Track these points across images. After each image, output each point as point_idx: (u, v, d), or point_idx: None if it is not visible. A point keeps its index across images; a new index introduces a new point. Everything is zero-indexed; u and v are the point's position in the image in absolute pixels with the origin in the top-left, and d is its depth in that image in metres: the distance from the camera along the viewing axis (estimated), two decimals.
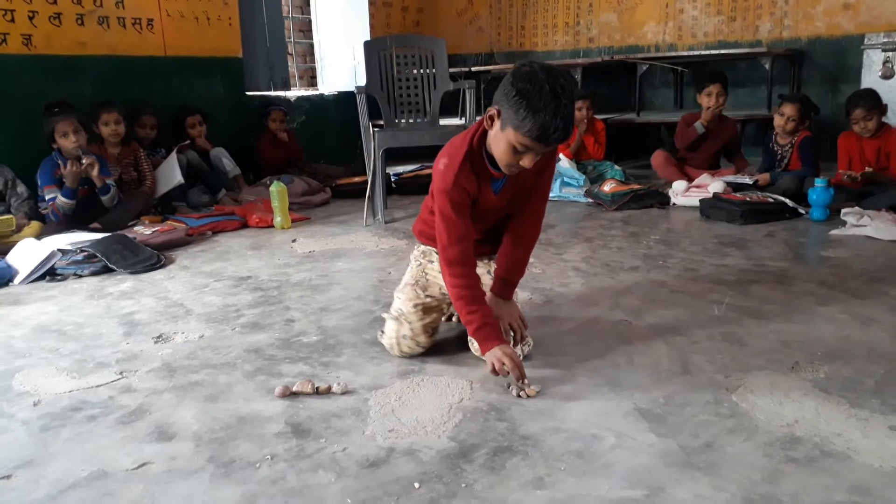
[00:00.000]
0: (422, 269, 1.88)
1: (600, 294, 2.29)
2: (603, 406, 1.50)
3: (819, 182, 3.26)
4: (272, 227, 3.53)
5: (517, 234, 1.75)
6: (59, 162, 3.25)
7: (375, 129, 3.47)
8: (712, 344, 1.83)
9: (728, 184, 3.71)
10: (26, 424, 1.50)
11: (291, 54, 5.70)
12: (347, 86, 5.61)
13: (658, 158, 4.26)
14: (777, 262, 2.63)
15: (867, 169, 3.42)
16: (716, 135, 4.16)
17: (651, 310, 2.12)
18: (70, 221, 3.27)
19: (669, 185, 3.98)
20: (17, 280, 2.64)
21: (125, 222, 3.41)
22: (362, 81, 3.73)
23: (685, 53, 5.30)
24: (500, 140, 1.54)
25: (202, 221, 3.49)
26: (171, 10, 4.32)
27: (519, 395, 1.55)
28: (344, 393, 1.59)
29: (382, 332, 1.85)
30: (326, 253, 3.00)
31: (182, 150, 4.03)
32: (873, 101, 3.45)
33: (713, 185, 3.68)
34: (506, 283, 1.76)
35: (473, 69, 5.65)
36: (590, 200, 3.92)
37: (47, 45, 3.77)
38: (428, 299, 1.80)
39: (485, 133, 1.61)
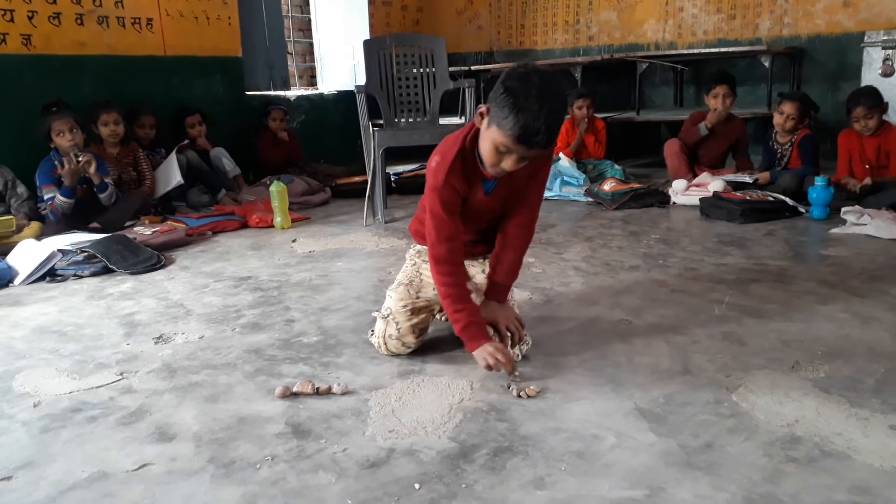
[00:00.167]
0: (416, 269, 1.88)
1: (600, 293, 2.29)
2: (603, 406, 1.50)
3: (819, 181, 3.26)
4: (272, 227, 3.53)
5: (510, 236, 1.75)
6: (57, 162, 3.25)
7: (375, 129, 3.47)
8: (712, 343, 1.83)
9: (728, 182, 3.71)
10: (27, 425, 1.51)
11: (291, 53, 5.70)
12: (347, 85, 5.61)
13: (672, 147, 4.16)
14: (777, 260, 2.63)
15: (867, 181, 3.41)
16: (721, 135, 4.13)
17: (651, 309, 2.12)
18: (69, 221, 3.28)
19: (669, 183, 3.97)
20: (17, 281, 2.64)
21: (124, 221, 3.41)
22: (362, 81, 3.73)
23: (685, 52, 5.29)
24: (486, 138, 1.54)
25: (202, 221, 3.49)
26: (170, 10, 4.32)
27: (519, 395, 1.55)
28: (344, 393, 1.59)
29: (373, 331, 1.86)
30: (326, 253, 3.00)
31: (182, 150, 4.03)
32: (874, 100, 3.44)
33: (713, 183, 3.68)
34: (499, 286, 1.76)
35: (473, 68, 5.65)
36: (590, 199, 3.92)
37: (47, 44, 3.77)
38: (420, 300, 1.80)
39: (478, 132, 1.61)
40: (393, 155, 4.33)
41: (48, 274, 2.68)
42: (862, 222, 3.01)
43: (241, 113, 4.79)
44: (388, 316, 1.78)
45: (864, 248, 2.76)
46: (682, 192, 3.77)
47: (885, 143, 3.50)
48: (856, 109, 3.45)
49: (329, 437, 1.41)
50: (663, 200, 3.79)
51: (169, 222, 3.44)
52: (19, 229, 3.10)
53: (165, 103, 4.22)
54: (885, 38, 4.51)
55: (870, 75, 4.54)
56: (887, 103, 3.52)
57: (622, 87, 5.69)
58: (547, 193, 4.10)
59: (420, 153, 4.11)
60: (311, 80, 5.93)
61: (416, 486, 1.23)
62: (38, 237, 3.01)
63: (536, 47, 6.20)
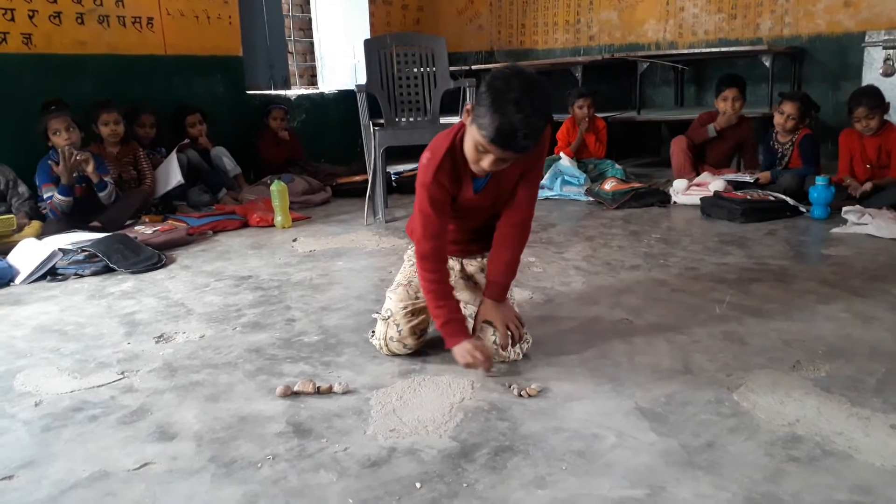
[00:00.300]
0: (415, 269, 1.88)
1: (601, 293, 2.29)
2: (604, 405, 1.50)
3: (820, 180, 3.26)
4: (273, 226, 3.53)
5: (505, 235, 1.75)
6: (52, 161, 3.26)
7: (376, 128, 3.47)
8: (713, 343, 1.83)
9: (729, 182, 3.71)
10: (28, 425, 1.51)
11: (292, 53, 5.70)
12: (348, 84, 5.60)
13: (679, 144, 4.15)
14: (778, 260, 2.63)
15: (867, 186, 3.40)
16: (729, 137, 4.12)
17: (652, 308, 2.12)
18: (69, 220, 3.28)
19: (670, 183, 3.97)
20: (18, 280, 2.64)
21: (124, 219, 3.41)
22: (363, 80, 3.73)
23: (686, 51, 5.28)
24: (468, 136, 1.55)
25: (203, 221, 3.49)
26: (171, 9, 4.32)
27: (520, 395, 1.55)
28: (345, 392, 1.59)
29: (373, 332, 1.86)
30: (327, 252, 3.00)
31: (182, 149, 4.03)
32: (876, 100, 3.44)
33: (714, 183, 3.68)
34: (497, 286, 1.75)
35: (474, 67, 5.64)
36: (590, 199, 3.92)
37: (47, 44, 3.76)
38: (419, 301, 1.80)
39: None
40: (393, 154, 4.33)
41: (49, 273, 2.68)
42: (863, 222, 3.01)
43: (241, 112, 4.79)
44: (389, 318, 1.78)
45: (865, 247, 2.76)
46: (683, 192, 3.77)
47: (886, 143, 3.49)
48: (857, 109, 3.45)
49: (330, 436, 1.41)
50: (664, 200, 3.79)
51: (170, 221, 3.44)
52: (20, 228, 3.10)
53: (166, 102, 4.22)
54: (886, 37, 4.51)
55: (870, 75, 4.54)
56: (889, 103, 3.52)
57: (623, 87, 5.68)
58: (548, 193, 4.12)
59: (421, 152, 4.12)
60: (312, 80, 5.93)
61: (418, 485, 1.23)
62: (39, 236, 3.02)
63: (537, 47, 6.19)
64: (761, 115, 4.56)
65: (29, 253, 2.74)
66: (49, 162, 3.28)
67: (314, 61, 5.93)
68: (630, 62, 5.26)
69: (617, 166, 4.43)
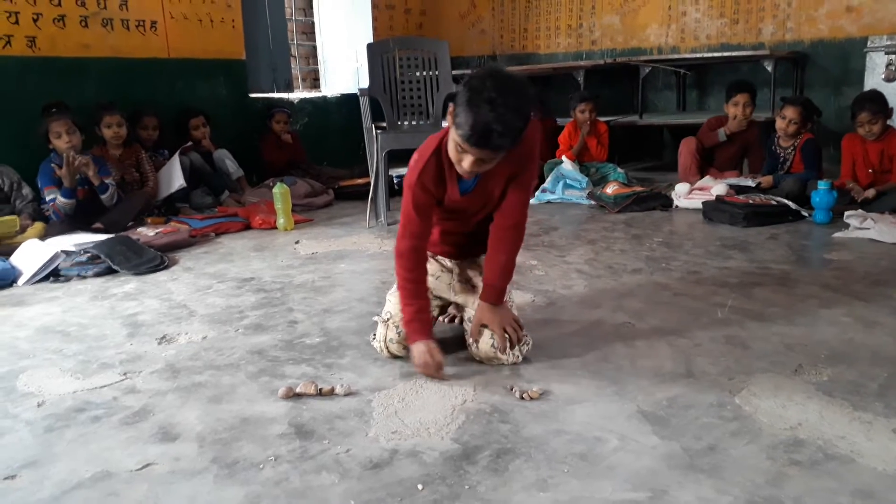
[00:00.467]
0: None
1: (603, 296, 2.29)
2: (606, 408, 1.50)
3: (822, 184, 3.26)
4: (275, 228, 3.54)
5: (499, 239, 1.75)
6: (55, 164, 3.27)
7: (378, 131, 3.48)
8: (715, 346, 1.83)
9: (731, 186, 3.71)
10: (30, 425, 1.51)
11: (294, 56, 5.71)
12: (350, 88, 5.62)
13: (688, 145, 4.16)
14: (780, 264, 2.62)
15: (869, 193, 3.40)
16: (737, 140, 4.13)
17: (654, 312, 2.12)
18: (72, 221, 3.29)
19: (672, 187, 3.98)
20: (21, 281, 2.65)
21: (127, 221, 3.42)
22: (365, 84, 3.74)
23: (688, 56, 5.29)
24: (450, 136, 1.56)
25: (205, 223, 3.50)
26: (174, 13, 4.34)
27: (522, 397, 1.55)
28: (347, 394, 1.60)
29: (374, 335, 1.86)
30: (329, 254, 3.01)
31: (185, 151, 4.04)
32: (879, 105, 3.44)
33: (716, 187, 3.68)
34: (494, 289, 1.75)
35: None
36: (592, 202, 3.92)
37: (51, 47, 3.78)
38: None
39: None
40: (396, 157, 4.33)
41: (52, 274, 2.69)
42: (865, 226, 3.01)
43: (244, 115, 4.80)
44: (389, 320, 1.79)
45: (868, 252, 2.76)
46: (685, 196, 3.77)
47: (889, 148, 3.50)
48: (861, 114, 3.46)
49: (332, 437, 1.41)
50: (666, 204, 3.80)
51: (172, 223, 3.45)
52: (23, 229, 3.11)
53: (169, 105, 4.24)
54: (889, 43, 4.51)
55: (872, 80, 4.54)
56: (892, 108, 3.52)
57: (625, 91, 5.69)
58: (550, 196, 4.12)
59: None
60: (315, 83, 5.95)
61: (419, 487, 1.23)
62: (42, 238, 3.02)
63: (539, 51, 6.20)
64: (764, 120, 4.56)
65: (32, 254, 2.75)
66: (52, 165, 3.29)
67: (317, 65, 5.94)
68: (632, 66, 5.27)
69: (619, 170, 4.43)
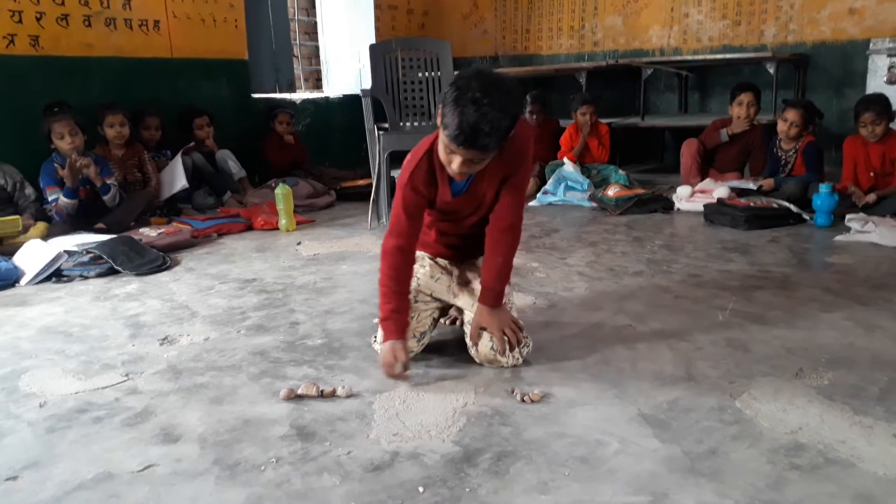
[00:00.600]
0: (414, 274, 1.88)
1: (604, 299, 2.29)
2: (607, 411, 1.51)
3: (824, 188, 3.26)
4: (277, 229, 3.55)
5: (495, 241, 1.75)
6: (58, 164, 3.28)
7: (380, 132, 3.48)
8: (716, 350, 1.84)
9: (732, 189, 3.71)
10: (32, 426, 1.51)
11: (297, 57, 5.72)
12: (353, 88, 5.62)
13: (690, 147, 4.18)
14: (781, 267, 2.63)
15: (870, 198, 3.40)
16: (740, 142, 4.13)
17: (655, 315, 2.12)
18: (74, 221, 3.30)
19: (674, 189, 3.98)
20: (23, 281, 2.65)
21: (129, 221, 3.43)
22: (367, 84, 3.74)
23: (690, 58, 5.30)
24: (439, 137, 1.57)
25: (207, 223, 3.51)
26: (177, 12, 4.34)
27: (523, 400, 1.56)
28: (349, 396, 1.60)
29: (375, 337, 1.86)
30: (331, 255, 3.01)
31: (187, 152, 4.05)
32: (884, 106, 3.45)
33: (718, 190, 3.68)
34: (491, 292, 1.75)
35: None
36: (594, 204, 3.92)
37: (55, 46, 3.79)
38: (418, 304, 1.82)
39: None
40: (398, 158, 4.32)
41: (54, 274, 2.70)
42: (866, 230, 3.01)
43: (246, 115, 4.81)
44: None
45: (869, 255, 2.76)
46: (687, 199, 3.77)
47: (891, 151, 3.50)
48: (865, 114, 3.45)
49: (333, 439, 1.42)
50: (667, 206, 3.80)
51: (174, 224, 3.46)
52: (25, 229, 3.11)
53: (172, 105, 4.24)
54: (891, 45, 4.51)
55: (875, 83, 4.54)
56: (895, 112, 3.53)
57: (627, 93, 5.69)
58: (551, 198, 4.12)
59: None
60: (317, 84, 5.95)
61: (420, 489, 1.23)
62: (45, 238, 3.03)
63: (541, 52, 6.21)
64: (766, 122, 4.57)
65: (34, 254, 2.75)
66: (54, 165, 3.30)
67: (319, 65, 5.95)
68: (634, 68, 5.27)
69: (620, 172, 4.43)
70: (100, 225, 3.29)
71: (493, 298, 1.75)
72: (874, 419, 1.44)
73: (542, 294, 2.35)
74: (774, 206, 3.40)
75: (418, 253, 1.92)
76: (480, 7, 6.45)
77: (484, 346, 1.73)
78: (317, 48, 5.91)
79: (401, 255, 1.70)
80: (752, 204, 3.39)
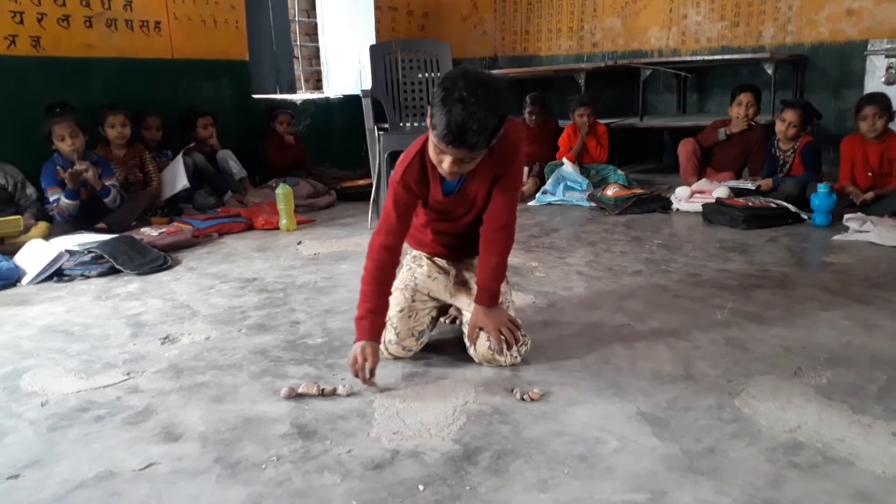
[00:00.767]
0: (411, 274, 1.89)
1: (603, 298, 2.30)
2: (606, 410, 1.51)
3: (822, 187, 3.27)
4: (278, 229, 3.55)
5: (489, 242, 1.75)
6: (59, 166, 3.28)
7: (380, 133, 3.49)
8: (715, 348, 1.84)
9: (731, 189, 3.72)
10: (34, 424, 1.52)
11: (297, 57, 5.73)
12: (353, 89, 5.63)
13: (686, 146, 4.21)
14: (779, 267, 2.63)
15: (868, 195, 3.42)
16: (738, 143, 4.14)
17: (654, 314, 2.13)
18: (76, 221, 3.31)
19: (672, 189, 3.99)
20: (24, 280, 2.66)
21: (130, 221, 3.44)
22: (368, 85, 3.75)
23: (688, 58, 5.31)
24: (429, 138, 1.57)
25: (208, 223, 3.51)
26: (178, 14, 4.35)
27: (522, 399, 1.56)
28: (349, 395, 1.61)
29: None
30: (331, 255, 3.02)
31: (188, 152, 4.06)
32: (886, 103, 3.47)
33: (716, 190, 3.69)
34: (487, 292, 1.75)
35: None
36: (593, 204, 3.93)
37: (56, 46, 3.79)
38: (416, 303, 1.82)
39: None
40: (397, 159, 4.34)
41: (55, 274, 2.70)
42: (864, 229, 3.02)
43: (247, 116, 4.82)
44: (387, 321, 1.79)
45: (867, 255, 2.77)
46: (686, 200, 3.78)
47: (889, 151, 3.51)
48: (867, 107, 3.46)
49: (334, 438, 1.42)
50: (666, 206, 3.81)
51: (175, 224, 3.46)
52: (27, 229, 3.12)
53: (173, 106, 4.25)
54: (889, 46, 4.52)
55: (873, 83, 4.55)
56: (895, 112, 3.54)
57: (625, 94, 5.70)
58: (550, 198, 4.13)
59: None
60: (318, 84, 5.96)
61: (421, 487, 1.24)
62: (46, 237, 3.03)
63: (540, 53, 6.22)
64: (764, 123, 4.58)
65: (36, 254, 2.76)
66: (58, 166, 3.30)
67: (320, 66, 5.96)
68: (633, 69, 5.28)
69: (619, 172, 4.44)
70: (101, 225, 3.30)
71: (488, 298, 1.75)
72: (873, 418, 1.45)
73: (541, 293, 2.36)
74: (773, 205, 3.41)
75: (416, 253, 1.93)
76: (480, 8, 6.46)
77: (482, 346, 1.74)
78: (317, 49, 5.92)
79: (386, 253, 1.68)
80: (750, 204, 3.40)
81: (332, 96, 5.64)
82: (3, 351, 1.97)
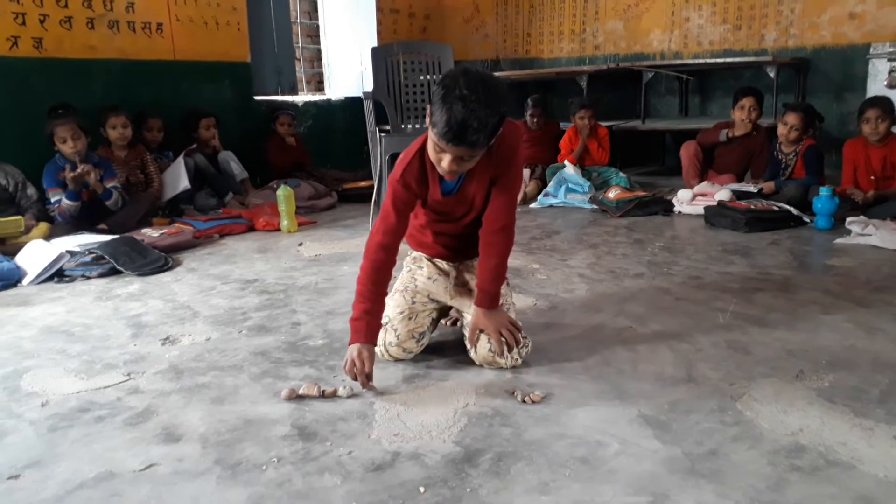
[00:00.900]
0: (411, 275, 1.89)
1: (605, 300, 2.30)
2: (607, 412, 1.51)
3: (824, 190, 3.27)
4: (279, 230, 3.55)
5: (488, 243, 1.75)
6: (66, 167, 3.29)
7: (382, 134, 3.49)
8: (717, 351, 1.84)
9: (733, 192, 3.72)
10: (34, 425, 1.52)
11: (299, 59, 5.74)
12: (354, 91, 5.64)
13: (688, 149, 4.22)
14: (781, 270, 2.63)
15: (870, 194, 3.42)
16: (741, 146, 4.14)
17: (656, 317, 2.12)
18: (77, 222, 3.31)
19: (674, 192, 3.98)
20: (25, 281, 2.66)
21: (132, 223, 3.44)
22: (369, 87, 3.75)
23: (690, 61, 5.31)
24: (429, 136, 1.57)
25: (209, 224, 3.51)
26: (180, 15, 4.36)
27: (524, 401, 1.56)
28: (350, 396, 1.60)
29: None
30: (332, 256, 3.02)
31: (189, 153, 4.06)
32: (889, 106, 3.47)
33: (718, 193, 3.69)
34: (486, 294, 1.75)
35: None
36: (594, 207, 3.93)
37: (58, 48, 3.80)
38: (416, 305, 1.82)
39: None
40: None
41: (56, 274, 2.70)
42: (867, 233, 3.01)
43: (249, 117, 4.82)
44: (387, 323, 1.79)
45: (869, 258, 2.77)
46: (688, 203, 3.78)
47: (891, 154, 3.50)
48: (870, 110, 3.46)
49: (335, 439, 1.42)
50: (668, 209, 3.80)
51: (176, 225, 3.46)
52: (28, 230, 3.12)
53: (174, 107, 4.26)
54: (891, 49, 4.52)
55: (875, 87, 4.55)
56: None
57: (627, 96, 5.71)
58: (552, 200, 4.13)
59: None
60: (319, 86, 5.97)
61: (421, 489, 1.24)
62: (47, 238, 3.04)
63: (542, 56, 6.22)
64: (766, 126, 4.58)
65: (37, 254, 2.76)
66: (59, 166, 3.30)
67: (321, 68, 5.97)
68: (635, 72, 5.28)
69: (621, 174, 4.44)
70: (102, 226, 3.30)
71: (488, 300, 1.75)
72: (875, 421, 1.44)
73: (542, 295, 2.36)
74: (775, 208, 3.41)
75: (416, 254, 1.93)
76: (482, 11, 6.47)
77: (482, 348, 1.73)
78: (319, 51, 5.93)
79: (384, 253, 1.67)
80: (752, 206, 3.39)
81: (333, 98, 5.65)
82: (4, 351, 1.97)
